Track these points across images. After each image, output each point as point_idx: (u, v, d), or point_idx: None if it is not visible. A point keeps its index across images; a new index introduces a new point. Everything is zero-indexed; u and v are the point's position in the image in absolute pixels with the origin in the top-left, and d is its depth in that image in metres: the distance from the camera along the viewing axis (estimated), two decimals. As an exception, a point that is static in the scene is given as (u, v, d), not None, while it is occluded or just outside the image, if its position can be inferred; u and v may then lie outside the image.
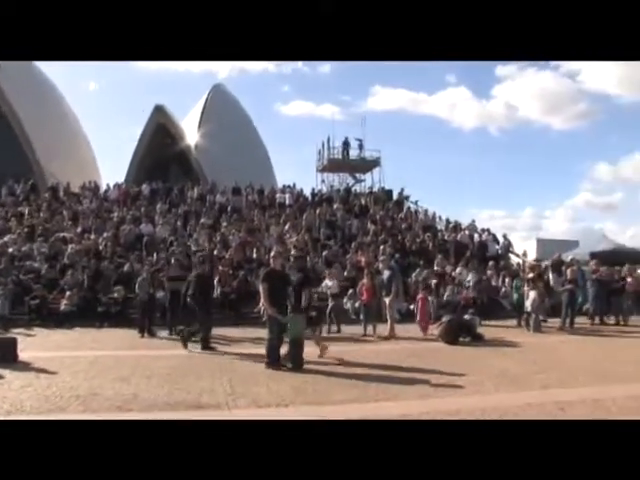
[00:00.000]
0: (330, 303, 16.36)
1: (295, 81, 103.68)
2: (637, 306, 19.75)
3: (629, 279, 19.02)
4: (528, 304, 16.11)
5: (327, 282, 17.17)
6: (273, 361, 9.69)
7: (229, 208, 28.25)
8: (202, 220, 25.53)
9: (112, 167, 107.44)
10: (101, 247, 21.54)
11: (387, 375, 8.99)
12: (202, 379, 8.64)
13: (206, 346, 12.04)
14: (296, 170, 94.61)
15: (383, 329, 14.33)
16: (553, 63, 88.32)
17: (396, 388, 8.01)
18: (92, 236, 22.52)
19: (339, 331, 15.81)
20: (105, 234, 22.66)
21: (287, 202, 30.36)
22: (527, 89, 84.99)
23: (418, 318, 15.18)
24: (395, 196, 34.85)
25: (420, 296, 15.52)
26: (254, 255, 21.52)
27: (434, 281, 19.78)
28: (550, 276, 19.52)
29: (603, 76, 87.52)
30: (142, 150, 44.95)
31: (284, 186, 34.42)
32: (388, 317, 14.51)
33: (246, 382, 8.41)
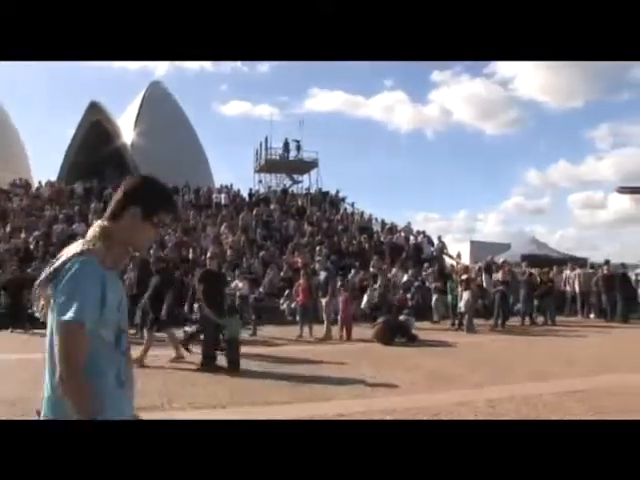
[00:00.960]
0: (238, 303, 15.52)
1: (233, 81, 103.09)
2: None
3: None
4: (461, 305, 16.45)
5: (237, 283, 16.22)
6: (209, 362, 9.60)
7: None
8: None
9: (44, 165, 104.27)
10: (32, 246, 20.93)
11: (323, 376, 9.02)
12: (137, 381, 8.45)
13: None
14: (233, 170, 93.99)
15: (319, 330, 14.39)
16: (486, 71, 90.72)
17: (332, 388, 8.05)
18: (22, 235, 21.85)
19: (254, 334, 14.97)
20: (36, 233, 22.02)
21: (223, 202, 30.13)
22: (461, 95, 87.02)
23: (340, 321, 14.52)
24: (332, 197, 35.03)
25: (342, 298, 14.89)
26: (190, 255, 21.28)
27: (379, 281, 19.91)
28: (483, 278, 20.01)
29: (533, 85, 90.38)
30: (76, 147, 43.82)
31: (221, 186, 34.19)
32: (324, 318, 14.57)
33: (181, 383, 8.32)
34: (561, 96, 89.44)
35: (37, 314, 13.13)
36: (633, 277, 18.80)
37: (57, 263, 2.12)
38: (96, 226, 2.25)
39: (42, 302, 2.23)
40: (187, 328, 12.07)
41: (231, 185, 33.31)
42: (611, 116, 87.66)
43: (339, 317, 14.61)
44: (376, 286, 19.21)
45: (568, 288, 21.48)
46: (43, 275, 2.15)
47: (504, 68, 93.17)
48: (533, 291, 18.85)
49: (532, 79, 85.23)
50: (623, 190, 32.21)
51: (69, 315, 2.00)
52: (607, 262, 21.10)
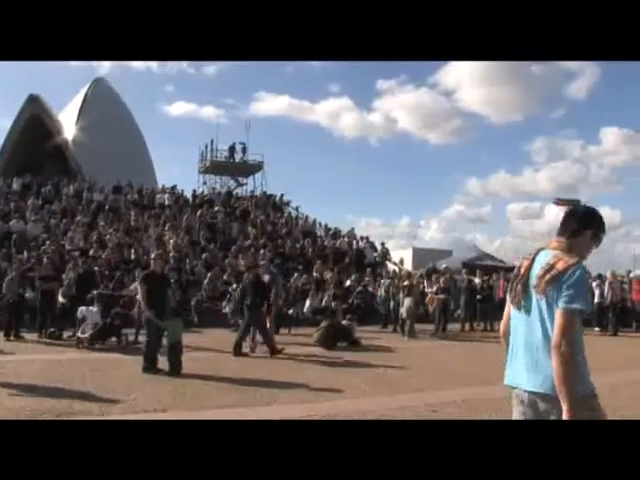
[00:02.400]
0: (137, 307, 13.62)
1: (179, 82, 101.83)
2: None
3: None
4: (403, 311, 16.63)
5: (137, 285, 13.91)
6: (150, 365, 9.44)
7: (107, 207, 27.26)
8: (78, 218, 24.47)
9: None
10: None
11: (267, 380, 9.00)
12: (74, 385, 8.26)
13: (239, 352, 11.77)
14: (178, 171, 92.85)
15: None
16: (430, 81, 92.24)
17: (276, 392, 8.02)
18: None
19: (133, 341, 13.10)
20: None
21: (167, 203, 29.70)
22: (406, 104, 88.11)
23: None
24: (276, 201, 35.00)
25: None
26: (132, 256, 20.93)
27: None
28: (425, 284, 20.30)
29: (475, 97, 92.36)
30: (13, 142, 42.47)
31: (164, 186, 33.77)
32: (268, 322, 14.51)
33: (121, 387, 8.14)
34: (502, 109, 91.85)
35: None
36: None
37: (554, 269, 2.87)
38: (560, 242, 3.08)
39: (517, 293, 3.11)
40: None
41: (175, 186, 32.95)
42: (547, 131, 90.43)
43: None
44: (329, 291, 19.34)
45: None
46: (546, 276, 2.89)
47: (448, 79, 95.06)
48: (473, 298, 19.26)
49: (475, 92, 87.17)
50: (559, 202, 33.14)
51: (576, 305, 2.78)
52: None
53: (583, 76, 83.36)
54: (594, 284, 19.55)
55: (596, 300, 18.54)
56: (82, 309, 13.03)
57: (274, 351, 11.76)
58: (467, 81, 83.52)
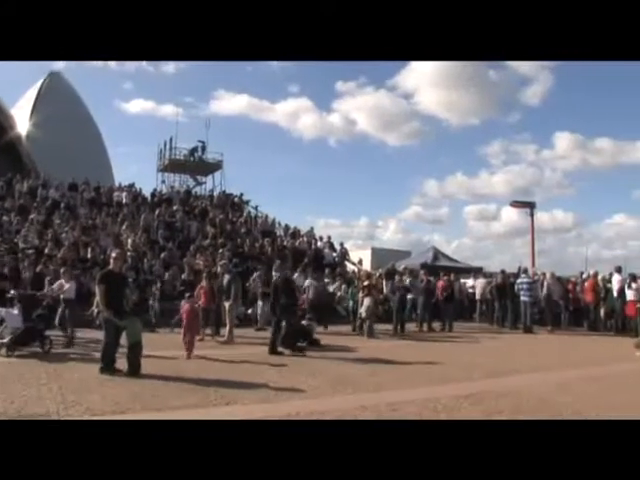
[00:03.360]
0: (61, 308, 13.50)
1: (137, 79, 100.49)
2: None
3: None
4: (362, 311, 16.75)
5: (63, 283, 13.63)
6: (108, 366, 9.32)
7: (62, 204, 26.79)
8: (32, 216, 23.98)
9: None
10: None
11: (227, 380, 8.96)
12: (29, 387, 8.06)
13: (274, 350, 12.24)
14: (135, 169, 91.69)
15: (222, 333, 14.32)
16: (390, 84, 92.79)
17: (236, 392, 8.00)
18: None
19: (71, 343, 12.89)
20: None
21: (124, 201, 29.33)
22: (365, 106, 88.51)
23: (183, 333, 11.73)
24: (235, 200, 34.86)
25: (186, 307, 12.15)
26: (88, 255, 20.61)
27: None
28: (384, 284, 20.46)
29: (434, 100, 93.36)
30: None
31: (120, 184, 33.35)
32: (227, 321, 14.48)
33: (78, 389, 7.99)
34: (459, 113, 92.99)
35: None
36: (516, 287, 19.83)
37: None
38: None
39: None
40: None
41: (133, 184, 32.54)
42: (503, 134, 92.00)
43: (182, 327, 11.92)
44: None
45: (477, 296, 22.87)
46: None
47: (407, 82, 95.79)
48: (431, 298, 19.50)
49: (433, 95, 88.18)
50: (515, 204, 33.89)
51: None
52: (503, 272, 22.10)
53: (537, 82, 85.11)
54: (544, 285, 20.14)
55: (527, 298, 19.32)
56: (1, 311, 11.72)
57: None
58: (426, 84, 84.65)
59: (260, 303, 18.48)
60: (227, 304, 14.67)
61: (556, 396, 8.30)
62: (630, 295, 16.94)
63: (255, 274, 20.47)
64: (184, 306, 12.31)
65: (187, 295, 12.92)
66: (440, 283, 20.25)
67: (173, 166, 42.26)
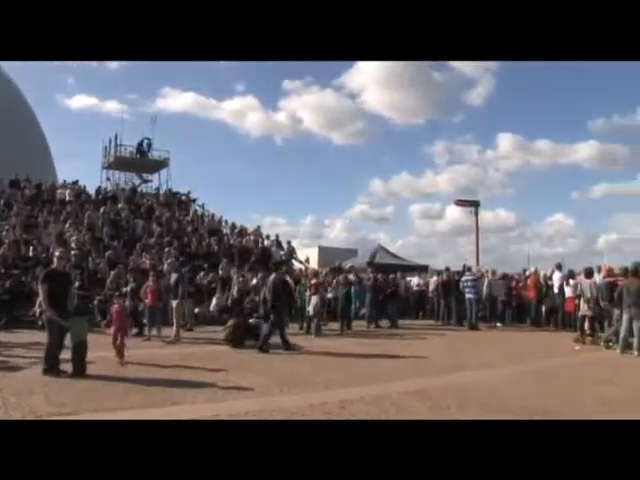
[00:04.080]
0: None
1: (80, 74, 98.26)
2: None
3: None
4: (310, 309, 16.79)
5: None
6: (52, 367, 9.10)
7: (2, 202, 26.04)
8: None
9: None
10: None
11: (174, 380, 8.86)
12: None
13: (288, 346, 13.00)
14: (79, 166, 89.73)
15: (168, 333, 14.16)
16: (335, 83, 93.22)
17: (184, 392, 7.91)
18: None
19: None
20: None
21: (68, 198, 28.68)
22: (311, 104, 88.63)
23: (113, 337, 10.74)
24: (182, 198, 34.51)
25: (116, 307, 11.37)
26: (30, 253, 20.09)
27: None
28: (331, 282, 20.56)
29: (380, 100, 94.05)
30: None
31: (64, 181, 32.63)
32: (174, 321, 14.33)
33: (20, 391, 7.78)
34: (404, 113, 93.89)
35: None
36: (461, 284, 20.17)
37: None
38: None
39: None
40: None
41: (77, 181, 31.89)
42: (447, 135, 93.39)
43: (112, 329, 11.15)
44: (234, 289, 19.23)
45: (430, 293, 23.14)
46: None
47: (352, 81, 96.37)
48: (378, 295, 19.67)
49: (379, 95, 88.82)
50: (459, 203, 34.48)
51: None
52: (447, 269, 22.46)
53: (481, 84, 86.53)
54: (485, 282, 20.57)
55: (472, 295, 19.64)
56: None
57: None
58: (371, 84, 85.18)
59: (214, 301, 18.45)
60: (174, 303, 14.51)
61: (502, 390, 8.50)
62: (569, 291, 17.39)
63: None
64: (114, 307, 11.65)
65: (116, 294, 12.68)
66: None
67: (118, 163, 41.49)
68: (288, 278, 15.59)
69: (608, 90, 76.35)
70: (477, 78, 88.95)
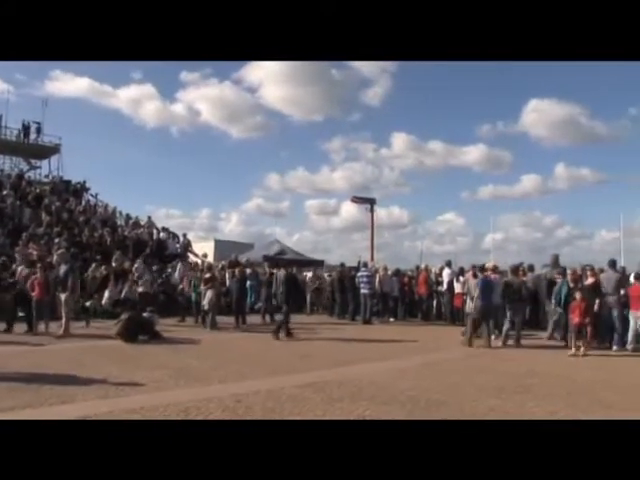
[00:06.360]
0: None
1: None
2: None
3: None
4: (205, 303, 16.68)
5: None
6: None
7: None
8: None
9: None
10: None
11: (63, 376, 8.54)
12: None
13: (290, 333, 14.58)
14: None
15: (57, 327, 13.67)
16: (235, 76, 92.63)
17: (73, 389, 7.66)
18: None
19: None
20: None
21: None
22: (210, 97, 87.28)
23: None
24: (74, 187, 33.29)
25: None
26: None
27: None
28: (227, 276, 20.47)
29: (278, 95, 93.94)
30: None
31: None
32: (63, 314, 13.83)
33: None
34: (303, 109, 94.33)
35: None
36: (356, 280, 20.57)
37: None
38: None
39: None
40: None
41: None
42: (344, 132, 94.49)
43: None
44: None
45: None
46: None
47: (251, 76, 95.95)
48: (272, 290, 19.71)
49: (278, 90, 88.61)
50: (356, 200, 35.06)
51: None
52: (342, 265, 22.81)
53: (378, 84, 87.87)
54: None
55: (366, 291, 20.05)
56: None
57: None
58: (270, 79, 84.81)
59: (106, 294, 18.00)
60: (63, 296, 14.01)
61: (395, 382, 8.75)
62: (458, 288, 18.05)
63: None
64: None
65: None
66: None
67: (3, 147, 39.48)
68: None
69: (494, 98, 79.95)
70: (375, 78, 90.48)
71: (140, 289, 18.90)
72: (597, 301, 13.12)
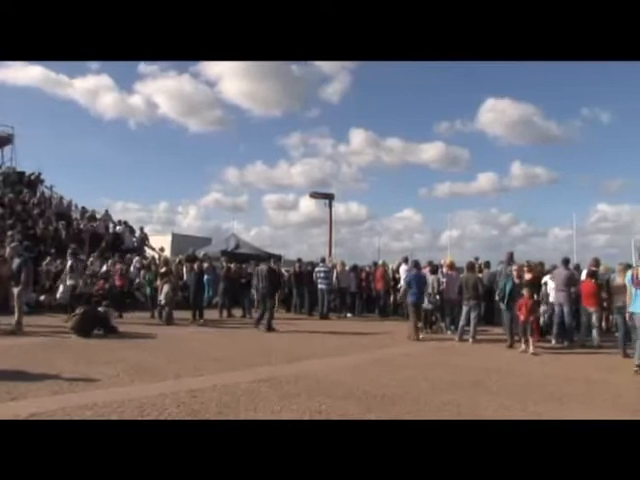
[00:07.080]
0: None
1: None
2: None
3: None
4: (162, 297, 16.59)
5: None
6: None
7: None
8: None
9: None
10: None
11: (14, 372, 8.39)
12: None
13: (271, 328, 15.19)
14: None
15: (8, 322, 13.42)
16: (193, 70, 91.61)
17: (25, 386, 7.50)
18: None
19: None
20: None
21: None
22: (168, 90, 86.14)
23: None
24: (28, 178, 32.62)
25: None
26: None
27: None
28: (184, 270, 20.37)
29: (237, 90, 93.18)
30: None
31: None
32: (16, 309, 13.57)
33: None
34: (262, 104, 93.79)
35: None
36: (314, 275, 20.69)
37: None
38: None
39: None
40: None
41: None
42: (303, 128, 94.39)
43: None
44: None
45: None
46: None
47: (211, 69, 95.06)
48: (232, 285, 19.69)
49: (237, 84, 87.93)
50: (314, 195, 35.12)
51: None
52: (299, 260, 22.87)
53: (337, 81, 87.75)
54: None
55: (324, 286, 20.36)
56: None
57: None
58: (229, 74, 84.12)
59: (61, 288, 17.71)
60: (16, 290, 13.75)
61: (351, 378, 8.85)
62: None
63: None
64: None
65: None
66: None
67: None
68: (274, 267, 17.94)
69: (453, 97, 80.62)
70: (334, 75, 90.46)
71: (69, 282, 18.37)
72: (534, 296, 13.39)
